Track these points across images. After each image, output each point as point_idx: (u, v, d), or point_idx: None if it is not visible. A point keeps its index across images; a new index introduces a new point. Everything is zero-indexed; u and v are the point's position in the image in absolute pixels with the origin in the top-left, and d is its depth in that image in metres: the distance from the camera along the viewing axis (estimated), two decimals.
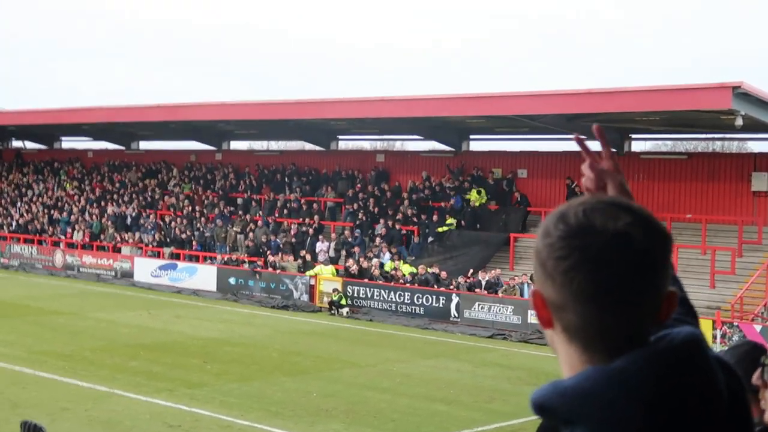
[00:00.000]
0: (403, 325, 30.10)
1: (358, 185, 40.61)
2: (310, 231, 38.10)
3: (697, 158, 35.33)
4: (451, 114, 33.97)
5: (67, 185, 51.38)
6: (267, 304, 33.98)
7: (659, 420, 1.58)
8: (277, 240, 38.44)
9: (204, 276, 37.52)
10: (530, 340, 27.49)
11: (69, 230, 45.58)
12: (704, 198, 33.42)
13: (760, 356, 3.19)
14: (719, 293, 29.19)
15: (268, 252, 37.30)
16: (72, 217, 46.52)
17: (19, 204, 50.51)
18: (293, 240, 37.94)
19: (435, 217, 36.49)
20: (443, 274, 32.06)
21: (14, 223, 48.23)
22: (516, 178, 37.48)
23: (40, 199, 50.39)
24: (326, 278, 33.99)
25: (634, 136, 36.58)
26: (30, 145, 59.86)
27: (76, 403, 17.13)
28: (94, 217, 45.80)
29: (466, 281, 31.40)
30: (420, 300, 31.53)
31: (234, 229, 40.30)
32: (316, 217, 39.14)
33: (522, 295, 29.86)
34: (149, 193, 46.82)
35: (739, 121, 26.83)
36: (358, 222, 37.92)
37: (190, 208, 43.73)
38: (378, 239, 35.85)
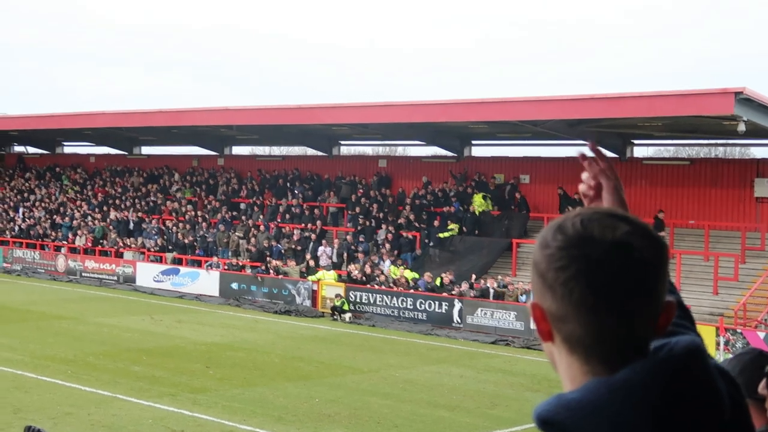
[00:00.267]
0: (406, 331, 30.08)
1: (360, 190, 40.62)
2: (313, 236, 38.11)
3: (700, 164, 35.33)
4: (453, 119, 33.96)
5: (69, 190, 51.42)
6: (269, 309, 33.96)
7: (666, 430, 1.58)
8: (279, 245, 38.45)
9: (206, 281, 37.53)
10: (533, 346, 27.44)
11: (71, 235, 45.60)
12: (707, 204, 33.39)
13: (765, 364, 3.18)
14: (722, 300, 29.15)
15: (267, 257, 37.31)
16: (74, 222, 46.55)
17: (21, 209, 50.54)
18: (296, 245, 37.94)
19: (437, 223, 36.48)
20: (446, 280, 32.07)
21: (16, 228, 48.26)
22: (519, 183, 37.46)
23: (42, 203, 50.42)
24: (329, 284, 33.99)
25: (636, 141, 36.59)
26: (32, 149, 59.93)
27: (79, 407, 17.13)
28: (96, 222, 45.82)
29: (473, 288, 31.27)
30: (423, 306, 31.51)
31: (236, 234, 40.32)
32: (318, 223, 39.15)
33: (520, 299, 29.85)
34: (151, 198, 46.83)
35: (742, 127, 26.81)
36: (360, 227, 37.92)
37: (192, 213, 43.75)
38: (387, 245, 35.81)
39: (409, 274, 33.19)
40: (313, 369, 22.60)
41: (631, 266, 1.62)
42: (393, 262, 34.57)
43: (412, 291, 32.13)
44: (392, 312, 32.07)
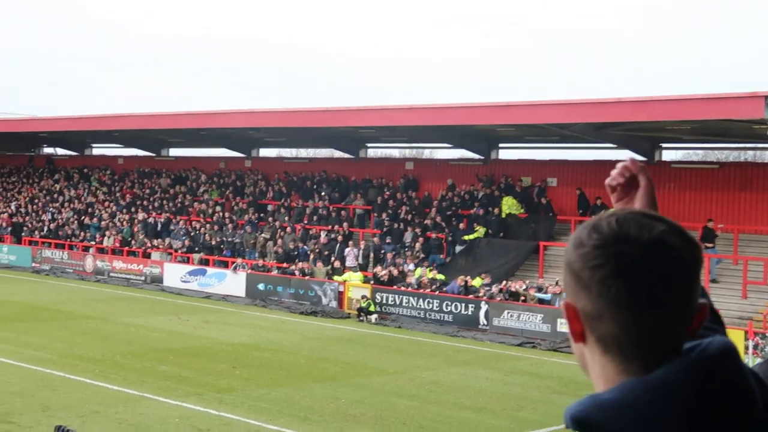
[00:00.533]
0: (432, 333, 30.06)
1: (387, 193, 40.63)
2: (339, 238, 38.16)
3: (729, 168, 35.05)
4: (480, 122, 33.90)
5: (98, 191, 51.76)
6: (296, 310, 34.03)
7: (700, 430, 1.57)
8: (306, 247, 38.53)
9: (233, 282, 37.67)
10: (560, 349, 27.36)
11: (99, 236, 45.89)
12: (736, 208, 33.14)
13: None
14: (751, 304, 28.93)
15: (296, 260, 37.39)
16: (102, 222, 46.85)
17: (50, 209, 50.92)
18: (322, 247, 38.01)
19: (464, 226, 36.44)
20: (470, 282, 31.99)
21: (45, 228, 48.62)
22: (546, 186, 37.35)
23: (70, 204, 50.78)
24: (355, 285, 34.02)
25: (664, 145, 36.38)
26: (61, 151, 60.40)
27: (107, 406, 17.23)
28: (124, 222, 46.10)
29: (504, 289, 31.14)
30: (449, 308, 31.48)
31: (263, 235, 40.44)
32: (345, 225, 39.20)
33: (549, 302, 29.74)
34: (179, 200, 47.05)
35: None
36: (386, 229, 37.93)
37: (219, 214, 43.93)
38: (416, 246, 35.79)
39: (437, 276, 33.12)
40: (339, 370, 22.62)
41: (668, 265, 1.61)
42: (419, 264, 34.55)
43: (437, 293, 32.07)
44: (418, 313, 32.05)
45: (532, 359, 25.89)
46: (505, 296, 30.92)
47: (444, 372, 23.06)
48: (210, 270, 39.22)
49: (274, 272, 37.40)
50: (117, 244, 44.41)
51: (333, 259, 36.66)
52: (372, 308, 32.37)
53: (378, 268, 34.62)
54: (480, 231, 35.79)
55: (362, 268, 36.10)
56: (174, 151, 54.05)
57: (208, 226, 42.87)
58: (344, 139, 43.39)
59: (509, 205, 36.49)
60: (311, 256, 37.47)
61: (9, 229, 49.60)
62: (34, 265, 45.55)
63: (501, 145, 40.53)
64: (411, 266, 34.48)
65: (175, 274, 40.02)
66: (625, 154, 36.25)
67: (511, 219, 36.12)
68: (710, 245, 30.53)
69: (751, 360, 23.17)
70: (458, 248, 35.79)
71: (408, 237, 36.98)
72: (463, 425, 17.33)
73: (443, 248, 35.83)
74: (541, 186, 37.31)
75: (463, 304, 31.21)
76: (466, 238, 35.76)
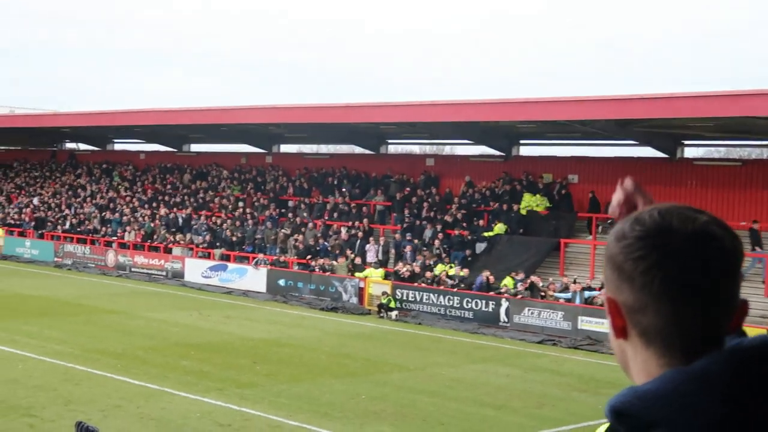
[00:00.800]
0: (452, 329, 30.03)
1: (408, 189, 40.62)
2: (360, 234, 38.18)
3: (752, 165, 34.83)
4: (501, 119, 33.84)
5: (120, 186, 52.00)
6: (316, 306, 34.08)
7: (743, 422, 1.56)
8: (326, 243, 38.59)
9: (254, 277, 37.77)
10: (580, 347, 27.29)
11: (120, 231, 46.11)
12: (759, 205, 32.92)
13: None
14: None
15: (317, 256, 37.43)
16: (124, 217, 47.08)
17: (72, 204, 51.20)
18: (343, 243, 38.05)
19: (484, 222, 36.38)
20: (491, 279, 31.91)
21: (68, 223, 48.89)
22: (567, 183, 37.21)
23: (92, 199, 51.05)
24: (375, 281, 34.05)
25: (686, 142, 36.18)
26: (83, 146, 60.74)
27: (128, 400, 17.32)
28: (145, 218, 46.30)
29: (525, 286, 31.02)
30: (469, 304, 31.44)
31: (283, 231, 40.53)
32: (365, 221, 39.22)
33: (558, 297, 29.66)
34: (200, 195, 47.21)
35: None
36: (406, 226, 37.93)
37: (240, 210, 44.05)
38: (436, 243, 35.76)
39: (461, 273, 33.00)
40: (360, 366, 22.65)
41: (713, 256, 1.61)
42: (440, 261, 34.52)
43: (456, 290, 32.04)
44: (439, 310, 32.04)
45: (553, 357, 25.84)
46: (527, 292, 30.81)
47: (464, 369, 23.05)
48: (231, 265, 39.34)
49: (295, 268, 37.47)
50: (138, 240, 44.62)
51: (353, 255, 36.68)
52: (392, 305, 32.39)
53: (399, 265, 34.62)
54: (500, 228, 35.72)
55: (382, 264, 36.11)
56: (195, 147, 54.24)
57: (228, 221, 43.00)
58: (365, 135, 43.41)
59: (530, 202, 36.39)
60: (332, 253, 37.52)
61: (32, 223, 49.92)
62: (56, 259, 45.82)
63: (522, 141, 40.43)
64: (431, 262, 34.42)
65: (196, 269, 40.16)
66: (648, 151, 36.12)
67: (532, 216, 36.00)
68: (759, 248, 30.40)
69: None
70: (479, 245, 35.72)
71: (428, 234, 36.96)
72: (483, 422, 17.32)
73: (464, 245, 35.73)
74: (562, 183, 37.19)
75: (484, 301, 31.17)
76: (486, 234, 35.70)
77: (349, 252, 37.12)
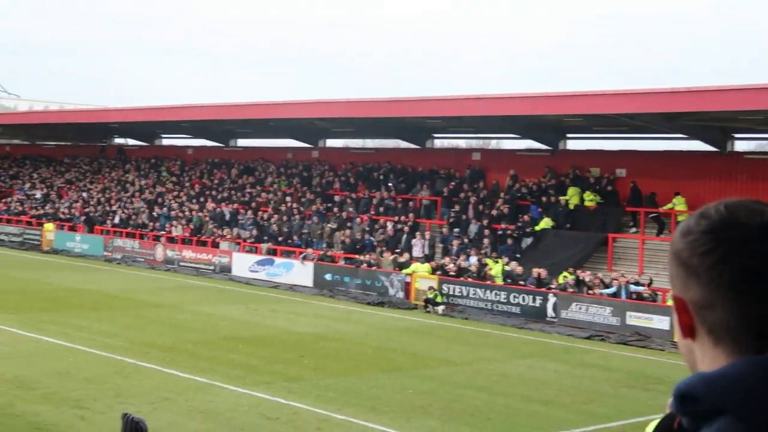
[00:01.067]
0: (499, 324, 29.93)
1: (453, 183, 40.53)
2: (406, 229, 38.16)
3: None
4: (547, 112, 33.61)
5: (167, 181, 52.45)
6: (362, 300, 34.14)
7: None
8: (373, 237, 38.62)
9: (300, 272, 37.91)
10: (629, 342, 27.06)
11: (169, 225, 46.51)
12: None
13: None
14: None
15: (363, 251, 37.47)
16: (172, 212, 47.48)
17: (121, 199, 51.75)
18: (389, 238, 38.07)
19: (531, 217, 36.19)
20: (543, 273, 31.70)
21: (117, 218, 49.41)
22: (615, 177, 36.90)
23: (141, 194, 51.55)
24: (422, 276, 34.01)
25: (737, 135, 35.71)
26: (132, 141, 61.36)
27: (177, 393, 17.45)
28: (193, 212, 46.65)
29: (572, 282, 30.81)
30: (516, 299, 31.30)
31: (330, 225, 40.63)
32: (411, 215, 39.20)
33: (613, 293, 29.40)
34: (247, 190, 47.48)
35: None
36: (453, 220, 37.85)
37: (287, 205, 44.24)
38: (484, 239, 35.65)
39: (509, 268, 32.83)
40: (406, 360, 22.63)
41: None
42: (487, 255, 34.40)
43: (503, 284, 31.91)
44: (485, 305, 31.93)
45: (601, 352, 25.63)
46: (575, 287, 30.59)
47: (511, 364, 22.95)
48: (278, 260, 39.51)
49: (342, 263, 37.56)
50: (186, 234, 44.97)
51: (400, 249, 36.67)
52: (439, 299, 32.34)
53: (446, 260, 34.54)
54: (546, 222, 35.52)
55: (428, 259, 36.06)
56: (242, 142, 54.56)
57: (275, 216, 43.19)
58: (411, 129, 43.36)
59: (576, 195, 36.13)
60: (378, 248, 37.55)
61: (82, 218, 50.52)
62: (105, 254, 46.32)
63: (569, 135, 40.16)
64: (474, 258, 34.26)
65: (243, 263, 40.40)
66: (697, 145, 35.70)
67: (579, 210, 35.75)
68: None
69: None
70: (526, 240, 35.56)
71: (474, 228, 36.85)
72: (531, 417, 17.23)
73: (511, 239, 35.56)
74: (609, 177, 36.89)
75: (531, 296, 31.01)
76: (534, 229, 35.52)
77: (391, 239, 37.11)
